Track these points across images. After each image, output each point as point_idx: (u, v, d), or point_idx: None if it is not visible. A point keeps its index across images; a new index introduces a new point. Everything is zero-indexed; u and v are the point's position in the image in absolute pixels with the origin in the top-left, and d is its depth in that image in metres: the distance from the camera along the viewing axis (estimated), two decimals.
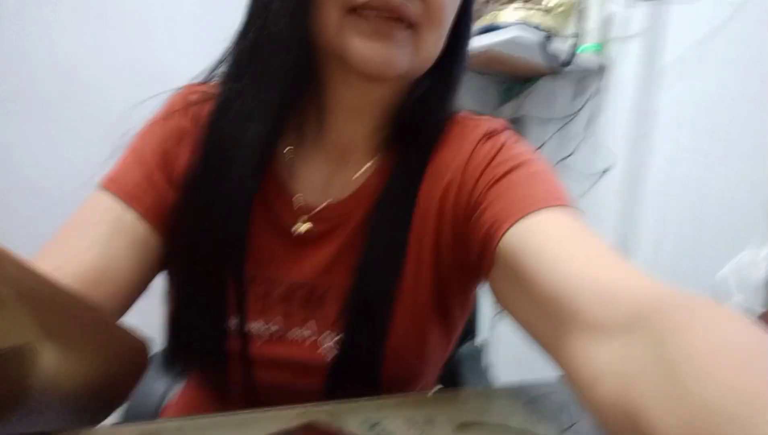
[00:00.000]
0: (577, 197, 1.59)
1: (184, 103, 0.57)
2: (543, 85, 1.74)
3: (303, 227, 0.56)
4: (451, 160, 0.57)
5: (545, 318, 0.42)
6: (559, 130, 1.64)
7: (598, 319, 0.37)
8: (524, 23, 1.49)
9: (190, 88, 0.59)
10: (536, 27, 1.50)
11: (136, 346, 0.48)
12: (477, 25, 1.62)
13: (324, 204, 0.57)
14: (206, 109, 0.55)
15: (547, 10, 1.58)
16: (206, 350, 0.54)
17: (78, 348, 0.38)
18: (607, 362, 0.34)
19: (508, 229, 0.48)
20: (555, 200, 0.49)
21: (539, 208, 0.48)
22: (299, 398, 0.46)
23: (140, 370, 0.49)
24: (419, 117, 0.58)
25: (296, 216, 0.56)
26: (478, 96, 1.88)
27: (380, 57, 0.49)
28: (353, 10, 0.48)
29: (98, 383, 0.41)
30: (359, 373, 0.53)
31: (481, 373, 0.80)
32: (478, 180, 0.55)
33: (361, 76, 0.51)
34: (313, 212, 0.56)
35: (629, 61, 1.52)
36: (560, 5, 1.56)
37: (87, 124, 1.28)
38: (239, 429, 0.38)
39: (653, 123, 1.51)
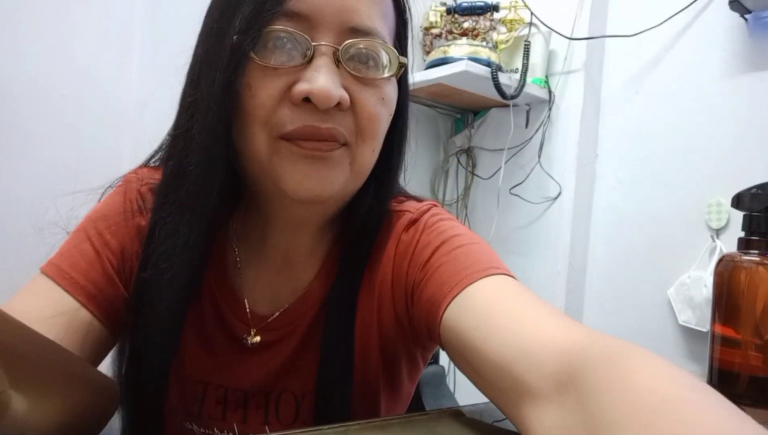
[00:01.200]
0: (529, 224, 1.63)
1: (136, 194, 0.56)
2: (493, 116, 1.80)
3: (256, 339, 0.56)
4: (382, 257, 0.57)
5: (494, 390, 0.43)
6: (509, 159, 1.69)
7: (534, 386, 0.38)
8: (473, 57, 1.54)
9: (139, 176, 0.58)
10: (485, 61, 1.55)
11: (106, 389, 0.47)
12: (428, 59, 1.67)
13: (275, 315, 0.57)
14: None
15: (495, 45, 1.65)
16: None
17: (48, 394, 0.37)
18: (548, 430, 0.35)
19: (443, 313, 0.48)
20: (480, 272, 0.49)
21: (467, 285, 0.48)
22: None
23: (110, 411, 0.48)
24: (358, 219, 0.57)
25: (248, 326, 0.57)
26: (430, 127, 1.92)
27: (315, 182, 0.47)
28: (281, 137, 0.47)
29: (67, 425, 0.40)
30: None
31: (444, 394, 0.81)
32: (407, 270, 0.55)
33: (293, 200, 0.48)
34: (264, 323, 0.57)
35: (573, 93, 1.59)
36: (506, 41, 1.63)
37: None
38: None
39: (597, 151, 1.58)
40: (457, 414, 0.50)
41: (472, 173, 1.85)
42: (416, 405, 0.92)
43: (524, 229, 1.67)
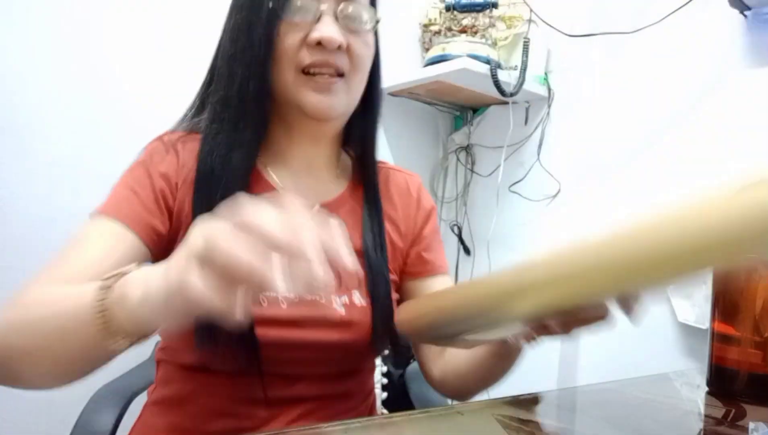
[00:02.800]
0: (529, 221, 1.63)
1: (167, 146, 0.73)
2: (492, 114, 1.80)
3: None
4: (407, 191, 0.88)
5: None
6: (509, 156, 1.69)
7: None
8: (472, 54, 1.54)
9: (169, 134, 0.76)
10: (485, 58, 1.55)
11: None
12: (427, 56, 1.67)
13: (316, 205, 0.76)
14: (189, 149, 0.72)
15: (494, 43, 1.64)
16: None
17: None
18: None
19: (420, 279, 0.84)
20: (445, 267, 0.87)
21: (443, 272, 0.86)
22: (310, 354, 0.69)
23: None
24: (359, 137, 0.83)
25: None
26: (430, 125, 1.92)
27: (326, 105, 0.71)
28: (302, 71, 0.70)
29: None
30: (383, 324, 0.73)
31: (430, 389, 0.83)
32: (415, 213, 0.87)
33: (313, 118, 0.73)
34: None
35: (572, 90, 1.59)
36: (505, 38, 1.62)
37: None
38: None
39: (597, 149, 1.58)
40: (458, 413, 0.50)
41: (472, 171, 1.85)
42: (404, 401, 0.93)
43: (524, 226, 1.67)
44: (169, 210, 0.69)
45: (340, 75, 0.71)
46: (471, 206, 1.84)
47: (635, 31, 1.47)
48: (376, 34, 0.77)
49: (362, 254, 0.76)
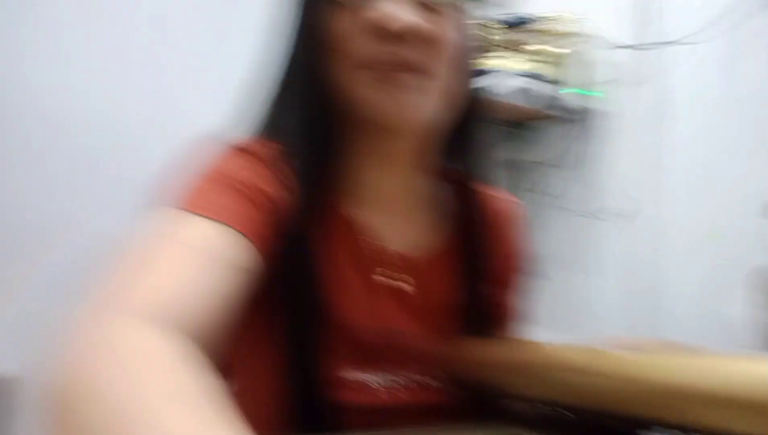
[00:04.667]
0: (594, 241, 1.59)
1: (267, 164, 0.54)
2: (552, 130, 1.77)
3: (409, 285, 0.58)
4: (495, 223, 0.64)
5: None
6: (570, 174, 1.66)
7: None
8: (530, 74, 1.53)
9: (260, 147, 0.56)
10: (543, 77, 1.53)
11: None
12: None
13: (415, 256, 0.58)
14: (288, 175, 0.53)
15: (550, 60, 1.62)
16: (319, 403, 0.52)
17: None
18: None
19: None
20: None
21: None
22: None
23: None
24: (460, 159, 0.62)
25: (395, 267, 0.57)
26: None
27: (395, 105, 0.50)
28: (363, 66, 0.50)
29: None
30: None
31: None
32: (510, 252, 0.66)
33: (380, 128, 0.52)
34: (412, 265, 0.58)
35: (633, 104, 1.54)
36: (560, 55, 1.60)
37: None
38: None
39: (662, 163, 1.51)
40: None
41: (534, 191, 1.82)
42: None
43: (585, 245, 1.62)
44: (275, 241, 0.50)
45: (421, 72, 0.51)
46: (536, 227, 1.81)
47: (695, 43, 1.41)
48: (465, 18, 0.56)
49: (461, 314, 0.61)
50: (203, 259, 0.42)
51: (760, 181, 1.30)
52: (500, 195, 0.67)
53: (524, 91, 1.50)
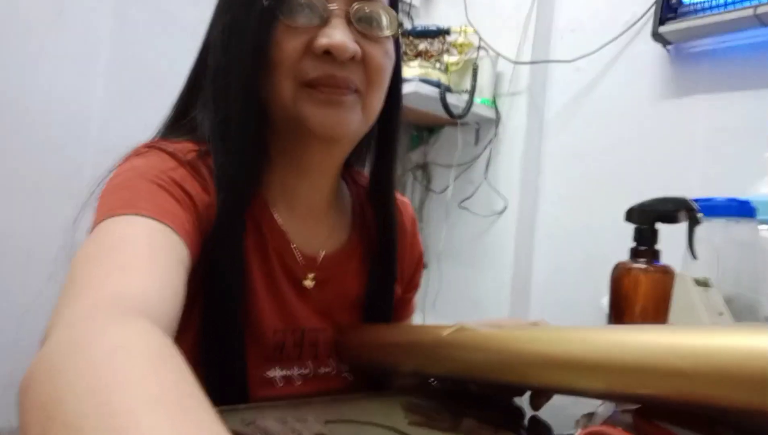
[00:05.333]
0: (477, 237, 1.72)
1: (185, 165, 0.56)
2: (446, 134, 1.90)
3: (311, 280, 0.65)
4: (404, 228, 0.74)
5: None
6: (459, 175, 1.79)
7: None
8: (424, 78, 1.64)
9: (173, 145, 0.58)
10: (435, 82, 1.65)
11: None
12: None
13: (321, 256, 0.65)
14: (208, 176, 0.56)
15: (446, 68, 1.75)
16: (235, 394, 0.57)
17: None
18: None
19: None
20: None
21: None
22: None
23: None
24: (373, 166, 0.69)
25: (303, 268, 0.64)
26: None
27: (334, 122, 0.56)
28: (304, 84, 0.56)
29: None
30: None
31: None
32: (412, 253, 0.76)
33: (320, 139, 0.59)
34: (315, 265, 0.65)
35: (518, 114, 1.70)
36: (456, 63, 1.73)
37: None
38: None
39: (540, 168, 1.68)
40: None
41: (427, 188, 1.94)
42: None
43: (472, 241, 1.76)
44: (198, 243, 0.53)
45: (355, 91, 0.58)
46: (426, 222, 1.93)
47: (574, 60, 1.59)
48: (397, 41, 0.63)
49: (363, 308, 0.68)
50: (156, 255, 0.44)
51: (627, 188, 1.49)
52: (398, 196, 0.74)
53: (422, 97, 1.60)
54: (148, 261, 0.43)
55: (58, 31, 1.34)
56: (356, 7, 0.56)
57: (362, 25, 0.57)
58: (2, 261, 1.28)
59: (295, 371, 0.64)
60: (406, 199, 0.78)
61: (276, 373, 0.62)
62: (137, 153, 0.57)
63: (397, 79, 0.65)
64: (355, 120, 0.59)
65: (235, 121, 0.57)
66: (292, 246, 0.63)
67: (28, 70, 1.30)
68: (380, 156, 0.68)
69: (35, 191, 1.32)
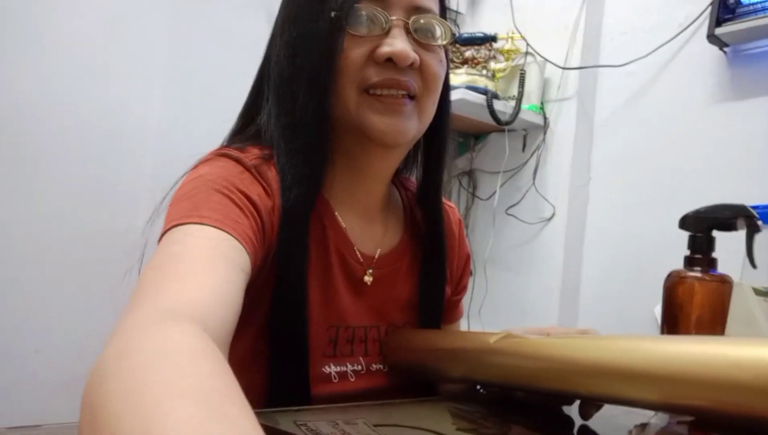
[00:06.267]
0: (524, 243, 1.71)
1: (251, 171, 0.59)
2: (493, 141, 1.89)
3: (369, 277, 0.67)
4: (451, 231, 0.76)
5: None
6: (506, 181, 1.77)
7: None
8: (471, 86, 1.64)
9: (239, 153, 0.61)
10: (482, 89, 1.64)
11: None
12: None
13: (377, 255, 0.68)
14: (274, 179, 0.60)
15: (493, 74, 1.74)
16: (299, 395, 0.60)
17: None
18: None
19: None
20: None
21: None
22: None
23: None
24: (423, 171, 0.72)
25: (363, 266, 0.67)
26: None
27: (394, 129, 0.60)
28: (367, 90, 0.60)
29: None
30: None
31: None
32: (459, 254, 0.78)
33: (380, 145, 0.62)
34: (373, 262, 0.68)
35: (566, 119, 1.67)
36: (503, 70, 1.72)
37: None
38: None
39: (590, 174, 1.65)
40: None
41: (473, 194, 1.94)
42: None
43: (519, 248, 1.74)
44: (261, 248, 0.56)
45: (411, 97, 0.62)
46: (472, 229, 1.92)
47: (624, 65, 1.56)
48: (446, 51, 0.67)
49: (415, 308, 0.71)
50: (215, 263, 0.47)
51: (680, 194, 1.44)
52: (445, 201, 0.77)
53: (469, 104, 1.60)
54: (207, 269, 0.45)
55: (117, 44, 1.41)
56: (414, 18, 0.61)
57: (419, 35, 0.61)
58: (74, 265, 1.35)
59: (348, 367, 0.66)
60: (452, 204, 0.81)
61: (331, 369, 0.64)
62: (205, 160, 0.61)
63: (446, 88, 0.69)
64: (414, 127, 0.62)
65: (302, 125, 0.61)
66: (354, 246, 0.66)
67: (89, 82, 1.37)
68: (430, 161, 0.71)
69: (98, 197, 1.38)
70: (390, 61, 0.59)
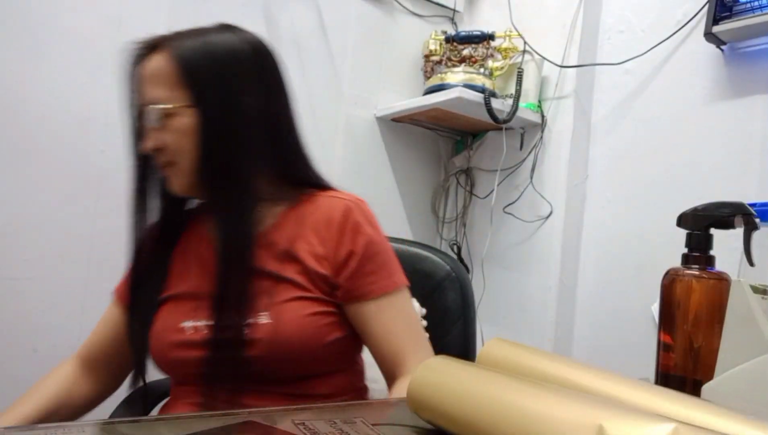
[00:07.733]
0: (522, 241, 1.71)
1: None
2: (490, 139, 1.89)
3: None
4: (324, 217, 0.83)
5: (384, 363, 0.82)
6: (503, 180, 1.77)
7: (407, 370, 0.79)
8: (469, 84, 1.64)
9: None
10: (479, 87, 1.64)
11: None
12: (427, 85, 1.77)
13: None
14: None
15: (490, 72, 1.74)
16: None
17: None
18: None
19: (372, 298, 0.80)
20: (396, 284, 0.82)
21: (393, 290, 0.82)
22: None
23: None
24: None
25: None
26: (432, 148, 2.01)
27: (172, 189, 0.81)
28: None
29: None
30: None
31: None
32: (347, 251, 0.80)
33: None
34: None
35: (564, 118, 1.67)
36: (501, 68, 1.72)
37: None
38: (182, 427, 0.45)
39: (587, 172, 1.65)
40: None
41: (470, 192, 1.94)
42: None
43: (517, 246, 1.74)
44: None
45: (165, 165, 0.79)
46: (470, 226, 1.92)
47: (622, 63, 1.56)
48: (203, 101, 0.78)
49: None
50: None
51: (677, 192, 1.45)
52: (337, 195, 0.85)
53: (466, 102, 1.60)
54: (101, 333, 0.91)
55: (117, 44, 1.40)
56: (143, 112, 0.79)
57: (151, 124, 0.78)
58: (73, 264, 1.35)
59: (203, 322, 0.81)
60: (355, 199, 0.85)
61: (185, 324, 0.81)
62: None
63: (225, 119, 0.80)
64: (181, 183, 0.81)
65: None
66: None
67: (89, 81, 1.37)
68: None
69: (98, 197, 1.38)
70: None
